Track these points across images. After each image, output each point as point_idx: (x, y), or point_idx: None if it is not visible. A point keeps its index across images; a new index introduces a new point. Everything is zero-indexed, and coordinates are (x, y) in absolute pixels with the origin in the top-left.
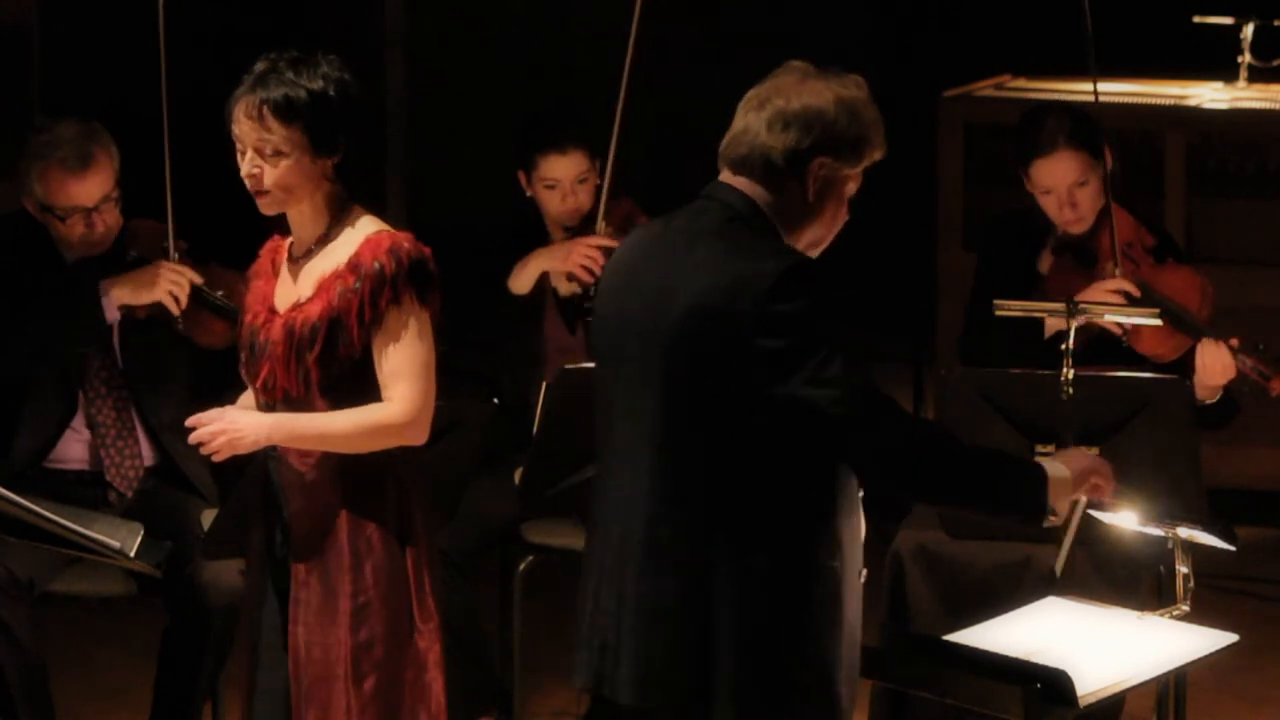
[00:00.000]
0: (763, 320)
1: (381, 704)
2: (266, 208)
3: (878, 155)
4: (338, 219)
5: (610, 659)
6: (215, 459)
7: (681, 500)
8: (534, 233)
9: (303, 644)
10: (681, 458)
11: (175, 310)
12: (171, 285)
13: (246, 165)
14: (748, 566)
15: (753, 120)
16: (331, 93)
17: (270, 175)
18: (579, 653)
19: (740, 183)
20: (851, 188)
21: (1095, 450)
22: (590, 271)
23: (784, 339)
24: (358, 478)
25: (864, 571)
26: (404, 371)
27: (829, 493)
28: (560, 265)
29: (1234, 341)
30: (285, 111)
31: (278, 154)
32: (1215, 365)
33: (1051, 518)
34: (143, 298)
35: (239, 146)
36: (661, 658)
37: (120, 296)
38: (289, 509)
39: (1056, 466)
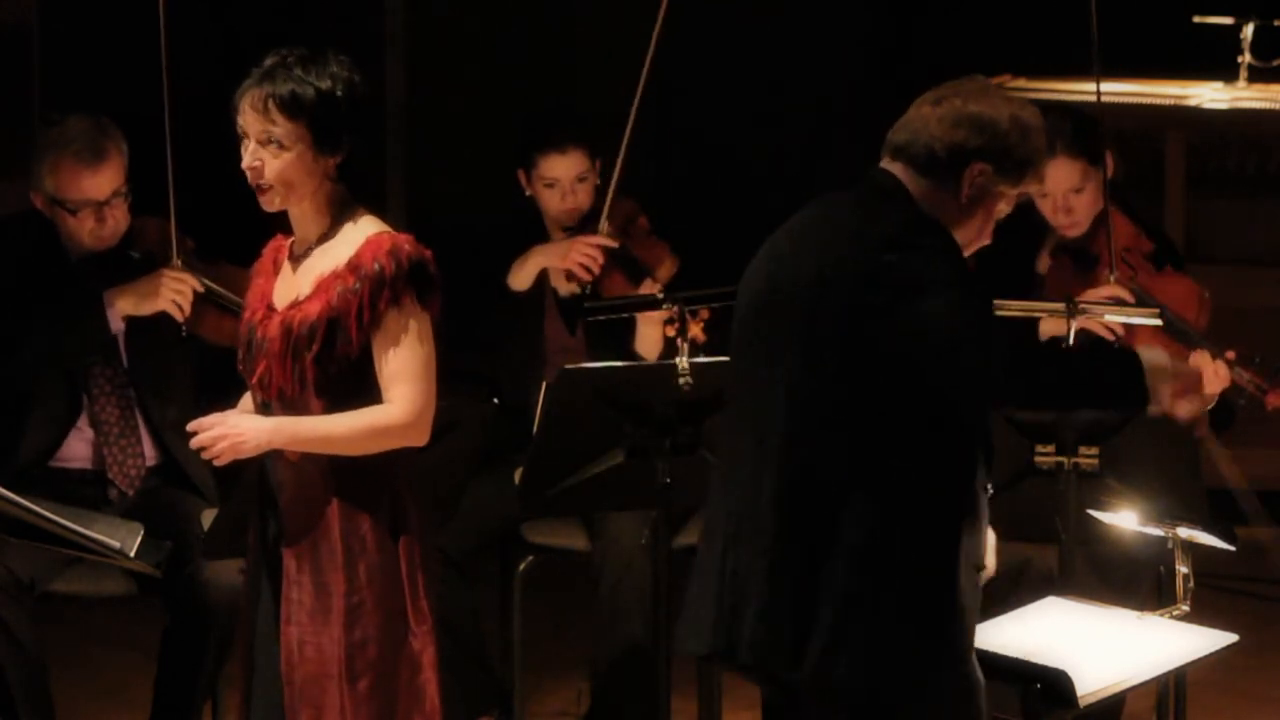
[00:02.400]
0: (879, 265)
1: (376, 704)
2: (267, 204)
3: (1033, 186)
4: (339, 219)
5: (738, 621)
6: (217, 464)
7: (811, 461)
8: (534, 232)
9: (295, 643)
10: (812, 427)
11: (180, 318)
12: (174, 294)
13: (248, 157)
14: (877, 526)
15: (926, 111)
16: (339, 93)
17: (271, 168)
18: (696, 613)
19: (897, 168)
20: (1002, 208)
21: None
22: (589, 270)
23: (897, 280)
24: (350, 475)
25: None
26: (404, 373)
27: (959, 461)
28: (559, 263)
29: (1230, 354)
30: (291, 107)
31: (280, 147)
32: (1208, 374)
33: (1152, 408)
34: (146, 308)
35: (242, 138)
36: (786, 618)
37: (124, 308)
38: (281, 505)
39: (1153, 354)
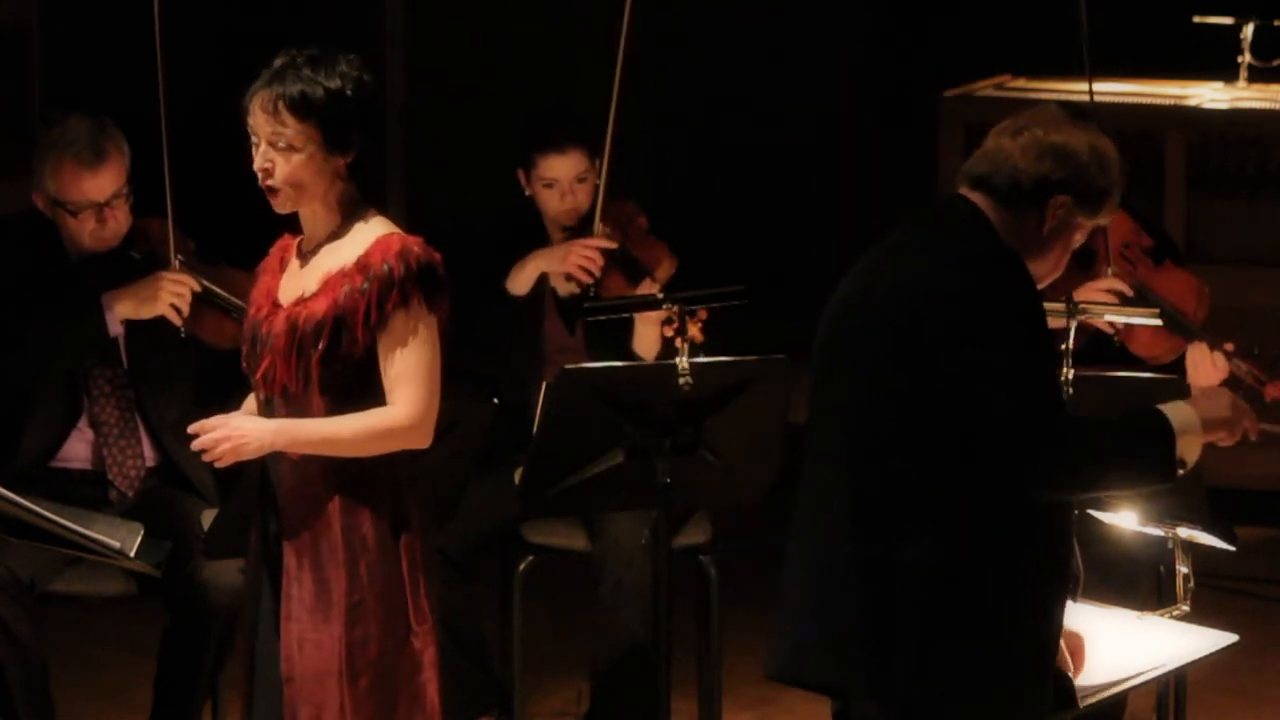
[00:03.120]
0: (952, 286)
1: (376, 703)
2: (279, 206)
3: (1105, 218)
4: (349, 218)
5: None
6: (218, 465)
7: (875, 481)
8: (533, 232)
9: (295, 640)
10: (883, 446)
11: (178, 321)
12: (173, 297)
13: (259, 159)
14: (954, 543)
15: (1006, 143)
16: (349, 92)
17: (282, 169)
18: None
19: (977, 197)
20: (1079, 239)
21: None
22: (588, 272)
23: (953, 313)
24: (351, 474)
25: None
26: (409, 375)
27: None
28: (558, 266)
29: (1229, 346)
30: (301, 107)
31: (291, 148)
32: (1204, 366)
33: (1181, 470)
34: (145, 312)
35: (253, 139)
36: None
37: (123, 311)
38: (282, 502)
39: (1185, 416)
